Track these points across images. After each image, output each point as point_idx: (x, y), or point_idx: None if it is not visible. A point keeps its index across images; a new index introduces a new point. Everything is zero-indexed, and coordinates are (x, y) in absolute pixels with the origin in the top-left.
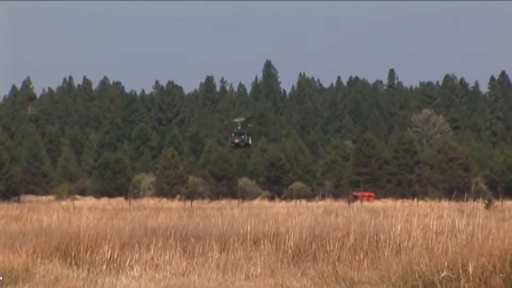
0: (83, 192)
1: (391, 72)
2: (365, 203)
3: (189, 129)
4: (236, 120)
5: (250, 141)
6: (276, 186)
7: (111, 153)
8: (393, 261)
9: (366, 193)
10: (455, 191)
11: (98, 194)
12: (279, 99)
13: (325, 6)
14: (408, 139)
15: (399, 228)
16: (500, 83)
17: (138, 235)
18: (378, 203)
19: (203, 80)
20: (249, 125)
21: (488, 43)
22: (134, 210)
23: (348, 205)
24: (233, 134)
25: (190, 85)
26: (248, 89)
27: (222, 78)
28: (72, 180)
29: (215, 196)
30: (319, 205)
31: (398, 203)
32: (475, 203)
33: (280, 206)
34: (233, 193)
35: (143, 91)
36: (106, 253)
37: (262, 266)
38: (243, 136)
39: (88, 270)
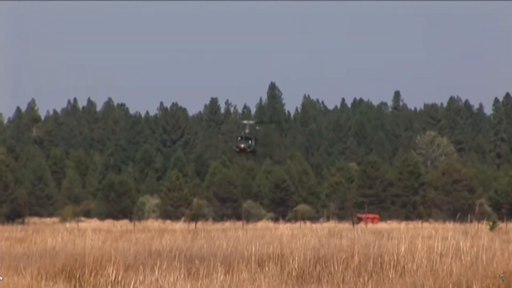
0: (88, 214)
1: (396, 94)
2: (370, 225)
3: (193, 151)
4: (245, 122)
5: (256, 147)
6: (281, 208)
7: (116, 175)
8: (397, 283)
9: (371, 215)
10: (460, 212)
11: (103, 216)
12: (283, 121)
13: (329, 27)
14: (412, 161)
15: (403, 250)
16: (504, 105)
17: (142, 257)
18: (383, 225)
19: (208, 102)
20: (257, 128)
21: (493, 65)
22: (139, 232)
23: (353, 227)
24: (239, 138)
25: (194, 106)
26: (253, 111)
27: (227, 100)
28: (76, 202)
29: (220, 218)
30: (324, 227)
31: (403, 225)
32: (479, 224)
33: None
34: (238, 215)
35: (147, 112)
36: (110, 275)
37: None
38: (250, 141)
39: None
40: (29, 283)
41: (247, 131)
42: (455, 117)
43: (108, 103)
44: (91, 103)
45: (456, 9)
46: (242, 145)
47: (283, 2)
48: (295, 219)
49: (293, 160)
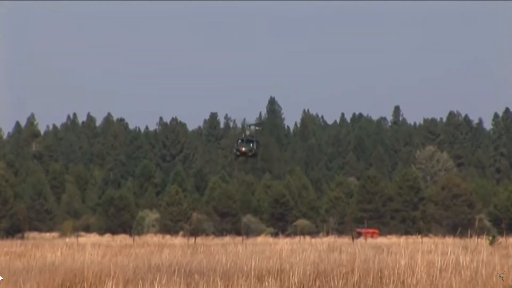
0: (87, 229)
1: (396, 109)
2: (369, 240)
3: (193, 165)
4: (247, 123)
5: (258, 150)
6: (280, 223)
7: (115, 190)
8: None
9: (370, 230)
10: (459, 227)
11: (102, 231)
12: (283, 136)
13: (329, 44)
14: (412, 175)
15: (403, 265)
16: (504, 119)
17: (142, 272)
18: (382, 240)
19: (207, 117)
20: (257, 128)
21: (492, 80)
22: (138, 246)
23: (352, 242)
24: (239, 141)
25: (194, 121)
26: None
27: (226, 115)
28: (76, 217)
29: (219, 232)
30: (323, 242)
31: (402, 239)
32: (479, 239)
33: (284, 243)
34: (237, 230)
35: (147, 127)
36: None
37: None
38: (251, 144)
39: None
40: None
41: (247, 133)
42: (454, 132)
43: (108, 118)
44: (90, 118)
45: (456, 24)
46: (243, 149)
47: (283, 18)
48: (294, 234)
49: (293, 175)
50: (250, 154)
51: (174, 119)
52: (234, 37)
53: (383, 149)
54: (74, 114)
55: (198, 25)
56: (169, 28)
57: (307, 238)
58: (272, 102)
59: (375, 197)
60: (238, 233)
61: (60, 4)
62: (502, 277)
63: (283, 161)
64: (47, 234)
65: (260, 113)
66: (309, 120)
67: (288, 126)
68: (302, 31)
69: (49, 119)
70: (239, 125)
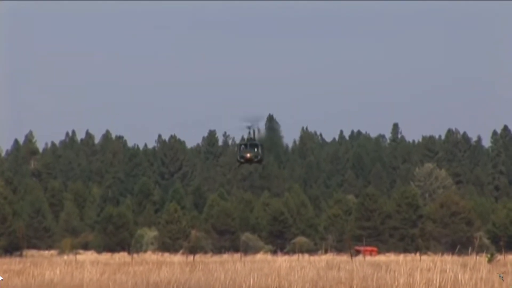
0: (86, 247)
1: (395, 127)
2: (368, 258)
3: (191, 183)
4: (249, 124)
5: (263, 155)
6: (279, 240)
7: (114, 208)
8: None
9: (369, 248)
10: (458, 245)
11: (101, 249)
12: (282, 153)
13: (327, 62)
14: (410, 193)
15: (402, 283)
16: (502, 137)
17: None
18: (381, 258)
19: (206, 134)
20: (259, 128)
21: (491, 98)
22: (137, 264)
23: (351, 260)
24: (242, 147)
25: (192, 139)
26: None
27: (225, 133)
28: (74, 235)
29: (218, 250)
30: (322, 259)
31: (401, 257)
32: (477, 257)
33: (282, 260)
34: (236, 248)
35: (145, 145)
36: None
37: None
38: (256, 149)
39: None
40: None
41: (251, 136)
42: (453, 149)
43: (106, 136)
44: (89, 136)
45: (455, 41)
46: (248, 154)
47: (281, 35)
48: (293, 251)
49: (291, 193)
50: (255, 160)
51: (172, 137)
52: (232, 54)
53: (381, 167)
54: (73, 132)
55: (197, 42)
56: (167, 45)
57: (306, 255)
58: (270, 120)
59: (374, 215)
60: (236, 250)
61: (59, 22)
62: (502, 277)
63: (282, 178)
64: (46, 252)
65: (259, 131)
66: (307, 138)
67: (287, 144)
68: (300, 49)
69: (47, 136)
70: (237, 142)
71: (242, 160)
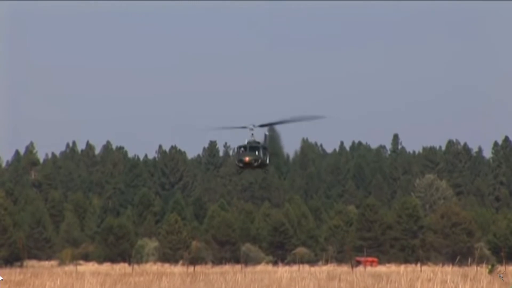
0: (86, 257)
1: (395, 137)
2: (368, 268)
3: (192, 194)
4: (250, 125)
5: (266, 159)
6: (280, 251)
7: (114, 218)
8: None
9: (369, 258)
10: (458, 256)
11: (101, 259)
12: (282, 164)
13: (327, 72)
14: (411, 204)
15: None
16: (503, 148)
17: None
18: (382, 268)
19: (206, 145)
20: (266, 133)
21: (492, 108)
22: (137, 275)
23: (352, 270)
24: (242, 149)
25: (193, 149)
26: None
27: (225, 143)
28: (75, 245)
29: (218, 261)
30: (322, 270)
31: (402, 268)
32: (478, 268)
33: (283, 271)
34: (236, 258)
35: (146, 155)
36: None
37: None
38: (257, 152)
39: None
40: None
41: (252, 138)
42: (454, 160)
43: (107, 146)
44: (89, 146)
45: (454, 53)
46: (247, 158)
47: (282, 45)
48: (294, 262)
49: (292, 203)
50: (256, 164)
51: (173, 147)
52: (232, 65)
53: (382, 178)
54: (73, 142)
55: (197, 53)
56: (168, 56)
57: (306, 266)
58: (271, 130)
59: (374, 226)
60: (237, 261)
61: (60, 33)
62: (502, 277)
63: (282, 189)
64: (46, 263)
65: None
66: (308, 149)
67: (287, 155)
68: (300, 59)
69: (48, 147)
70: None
71: (240, 165)
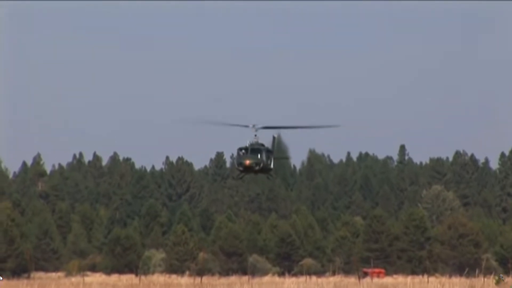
0: (93, 269)
1: (402, 148)
2: (375, 280)
3: (199, 205)
4: (250, 126)
5: (269, 162)
6: (286, 262)
7: (121, 230)
8: None
9: (376, 269)
10: (466, 267)
11: (108, 271)
12: (289, 175)
13: (333, 82)
14: (418, 215)
15: None
16: (510, 159)
17: None
18: (389, 280)
19: (213, 156)
20: (275, 135)
21: (499, 119)
22: (144, 286)
23: (359, 282)
24: (242, 152)
25: (200, 161)
26: None
27: (232, 154)
28: (82, 257)
29: (225, 272)
30: (329, 281)
31: (409, 279)
32: (485, 279)
33: (290, 282)
34: (243, 270)
35: (153, 167)
36: None
37: None
38: (259, 155)
39: None
40: None
41: (254, 140)
42: (461, 171)
43: (114, 158)
44: (96, 158)
45: (462, 61)
46: (247, 161)
47: (285, 52)
48: (300, 273)
49: (299, 214)
50: (257, 168)
51: (180, 159)
52: (239, 75)
53: (389, 189)
54: (80, 154)
55: (199, 61)
56: (173, 65)
57: (313, 277)
58: (278, 141)
59: (381, 237)
60: (244, 272)
61: (66, 45)
62: (502, 277)
63: (289, 200)
64: (53, 274)
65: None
66: (315, 159)
67: (294, 165)
68: (305, 68)
69: (55, 158)
70: None
71: (240, 168)
